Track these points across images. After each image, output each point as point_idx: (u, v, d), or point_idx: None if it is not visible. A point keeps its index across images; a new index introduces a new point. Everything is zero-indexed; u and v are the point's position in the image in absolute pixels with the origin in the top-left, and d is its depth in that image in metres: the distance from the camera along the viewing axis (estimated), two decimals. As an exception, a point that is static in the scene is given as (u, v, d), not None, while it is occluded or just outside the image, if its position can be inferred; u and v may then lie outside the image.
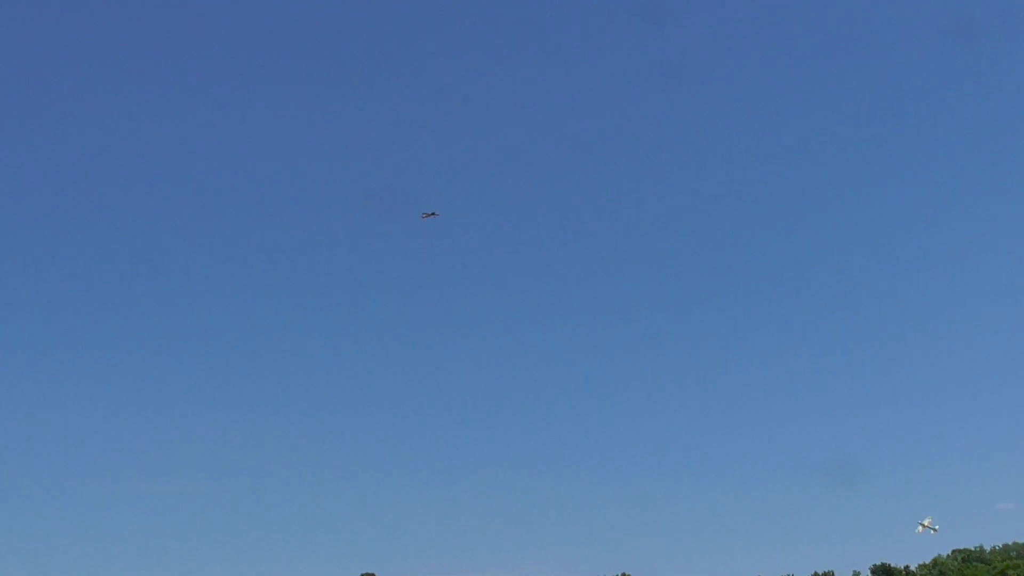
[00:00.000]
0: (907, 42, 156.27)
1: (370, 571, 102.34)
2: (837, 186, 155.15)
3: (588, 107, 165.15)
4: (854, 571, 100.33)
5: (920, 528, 70.60)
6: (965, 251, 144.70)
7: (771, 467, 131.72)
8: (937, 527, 70.64)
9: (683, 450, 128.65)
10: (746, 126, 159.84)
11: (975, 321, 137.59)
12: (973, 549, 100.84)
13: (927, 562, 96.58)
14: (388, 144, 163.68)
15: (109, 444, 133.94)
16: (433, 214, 76.43)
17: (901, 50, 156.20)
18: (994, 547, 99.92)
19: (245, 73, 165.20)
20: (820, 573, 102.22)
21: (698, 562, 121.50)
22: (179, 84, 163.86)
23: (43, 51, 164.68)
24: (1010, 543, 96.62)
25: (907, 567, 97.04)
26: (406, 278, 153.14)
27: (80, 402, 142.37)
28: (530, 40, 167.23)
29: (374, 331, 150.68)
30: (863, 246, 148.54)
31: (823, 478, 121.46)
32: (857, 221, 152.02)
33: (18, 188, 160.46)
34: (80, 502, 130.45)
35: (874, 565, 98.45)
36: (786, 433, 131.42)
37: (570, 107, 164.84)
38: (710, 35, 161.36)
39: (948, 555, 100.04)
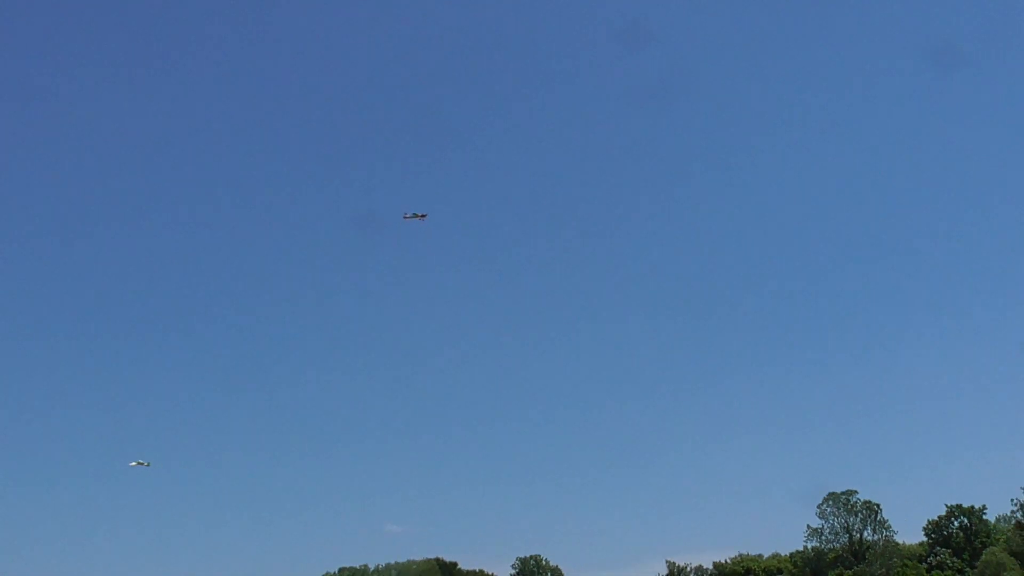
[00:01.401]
0: (889, 68, 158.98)
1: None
2: (819, 212, 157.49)
3: (576, 129, 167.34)
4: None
5: (133, 464, 73.13)
6: (950, 281, 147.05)
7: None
8: (147, 463, 72.97)
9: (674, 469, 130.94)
10: (729, 149, 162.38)
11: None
12: (358, 568, 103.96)
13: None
14: (373, 160, 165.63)
15: (106, 447, 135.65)
16: (419, 215, 73.77)
17: (882, 76, 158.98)
18: (378, 566, 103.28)
19: (233, 84, 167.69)
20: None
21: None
22: (167, 94, 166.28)
23: (37, 53, 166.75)
24: (393, 563, 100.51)
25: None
26: (391, 291, 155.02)
27: (73, 402, 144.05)
28: (517, 63, 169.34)
29: (366, 337, 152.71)
30: (843, 274, 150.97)
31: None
32: (839, 248, 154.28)
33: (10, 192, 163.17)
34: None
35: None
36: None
37: (559, 130, 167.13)
38: (693, 59, 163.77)
39: (335, 573, 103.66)
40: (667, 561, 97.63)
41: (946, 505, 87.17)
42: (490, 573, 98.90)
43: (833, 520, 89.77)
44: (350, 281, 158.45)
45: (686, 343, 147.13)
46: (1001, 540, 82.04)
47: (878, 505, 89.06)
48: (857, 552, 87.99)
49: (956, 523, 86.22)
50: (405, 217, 70.95)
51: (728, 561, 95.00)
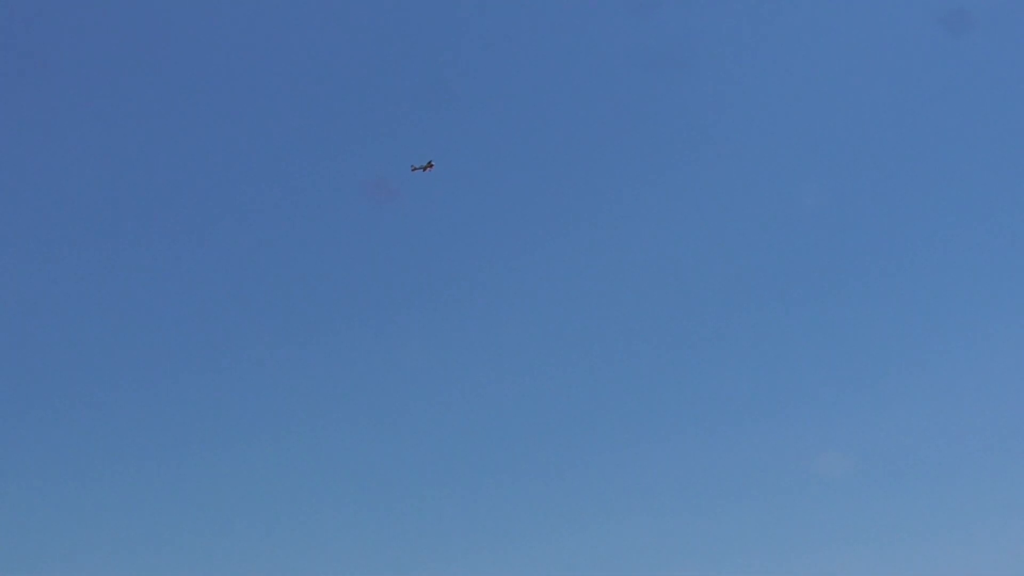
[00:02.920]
0: (900, 32, 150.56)
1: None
2: (827, 182, 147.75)
3: (580, 98, 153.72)
4: None
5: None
6: (965, 252, 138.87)
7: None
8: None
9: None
10: (738, 117, 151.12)
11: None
12: None
13: None
14: (376, 135, 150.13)
15: (105, 444, 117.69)
16: (427, 166, 63.73)
17: (894, 40, 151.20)
18: None
19: (234, 66, 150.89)
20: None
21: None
22: (166, 79, 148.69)
23: (42, 49, 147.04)
24: None
25: None
26: (397, 271, 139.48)
27: (74, 399, 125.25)
28: (520, 31, 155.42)
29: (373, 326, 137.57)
30: (855, 246, 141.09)
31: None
32: (848, 218, 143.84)
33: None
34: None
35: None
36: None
37: (562, 98, 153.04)
38: (703, 25, 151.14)
39: None
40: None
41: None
42: None
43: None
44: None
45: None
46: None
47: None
48: None
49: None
50: (413, 169, 62.53)
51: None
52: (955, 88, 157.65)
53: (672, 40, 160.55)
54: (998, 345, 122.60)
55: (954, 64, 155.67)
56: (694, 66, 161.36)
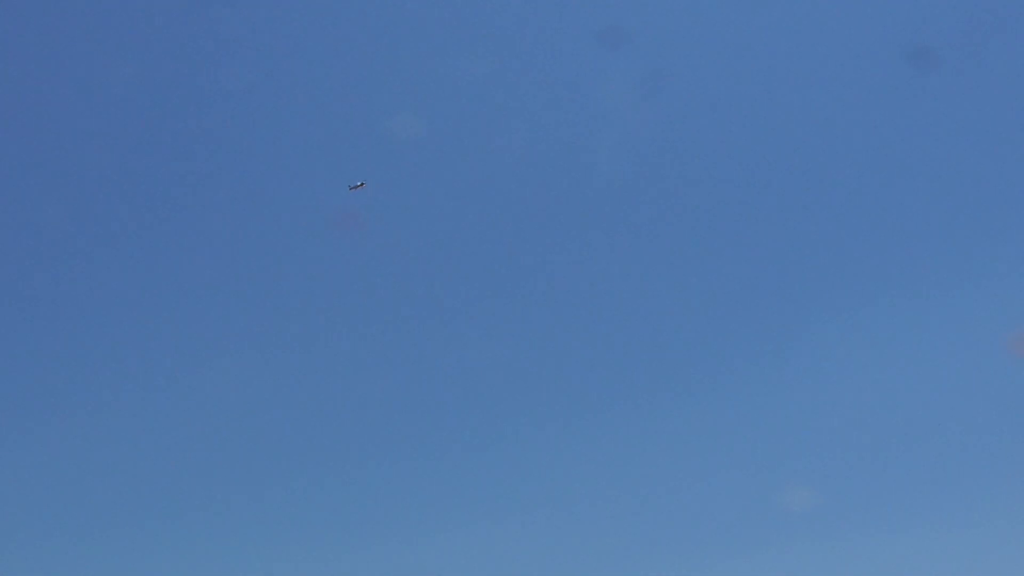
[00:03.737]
0: (865, 70, 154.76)
1: None
2: (791, 218, 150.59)
3: (547, 130, 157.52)
4: None
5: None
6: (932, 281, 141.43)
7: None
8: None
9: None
10: (698, 153, 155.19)
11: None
12: None
13: None
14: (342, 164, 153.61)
15: (105, 444, 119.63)
16: (360, 185, 69.07)
17: (858, 78, 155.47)
18: None
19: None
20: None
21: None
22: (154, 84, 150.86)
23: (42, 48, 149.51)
24: None
25: None
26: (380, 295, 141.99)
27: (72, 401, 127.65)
28: (491, 65, 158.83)
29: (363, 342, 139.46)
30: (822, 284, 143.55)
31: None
32: (820, 251, 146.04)
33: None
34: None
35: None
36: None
37: (526, 131, 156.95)
38: (671, 60, 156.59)
39: None
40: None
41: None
42: None
43: None
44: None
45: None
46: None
47: None
48: None
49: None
50: (351, 188, 65.62)
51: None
52: (921, 127, 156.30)
53: (639, 72, 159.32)
54: (971, 373, 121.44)
55: (920, 103, 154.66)
56: (660, 99, 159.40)
